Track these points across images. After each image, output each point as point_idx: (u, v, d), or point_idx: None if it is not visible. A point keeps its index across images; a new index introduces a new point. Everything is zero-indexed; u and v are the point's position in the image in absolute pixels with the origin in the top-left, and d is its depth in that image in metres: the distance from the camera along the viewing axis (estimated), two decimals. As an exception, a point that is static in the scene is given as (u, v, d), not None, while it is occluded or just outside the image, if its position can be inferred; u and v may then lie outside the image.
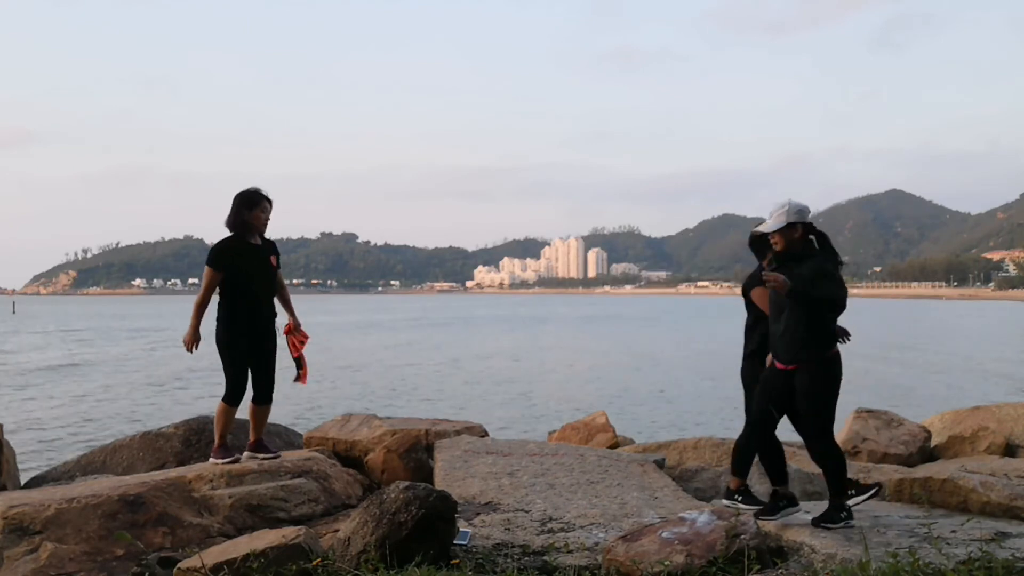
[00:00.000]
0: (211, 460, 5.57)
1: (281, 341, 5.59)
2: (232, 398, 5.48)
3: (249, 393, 5.57)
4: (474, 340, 45.34)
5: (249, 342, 5.44)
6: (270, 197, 5.50)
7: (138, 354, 35.50)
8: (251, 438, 5.72)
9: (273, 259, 5.56)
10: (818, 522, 4.27)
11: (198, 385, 22.58)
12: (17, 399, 20.22)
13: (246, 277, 5.41)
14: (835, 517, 4.25)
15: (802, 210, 4.38)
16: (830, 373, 4.29)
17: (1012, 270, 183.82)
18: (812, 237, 4.42)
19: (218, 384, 5.69)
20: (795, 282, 4.16)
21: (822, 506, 4.88)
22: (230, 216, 5.44)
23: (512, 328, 60.12)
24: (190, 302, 5.54)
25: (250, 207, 5.43)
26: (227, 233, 5.48)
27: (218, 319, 5.45)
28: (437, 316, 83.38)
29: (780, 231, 4.35)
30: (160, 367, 28.96)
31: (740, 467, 4.63)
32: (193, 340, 5.32)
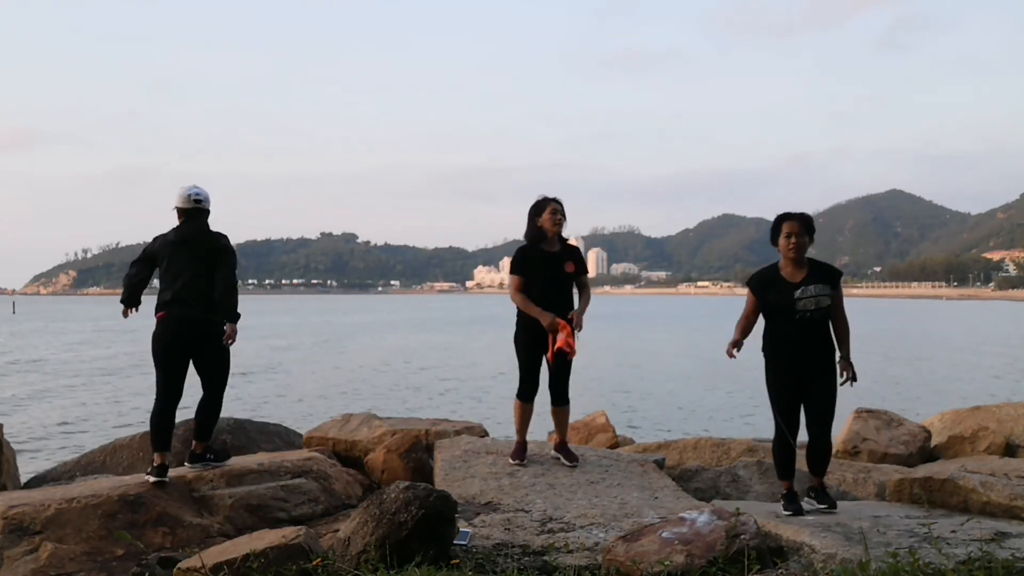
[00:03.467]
0: (510, 460, 5.68)
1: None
2: (522, 394, 5.69)
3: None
4: (474, 340, 45.31)
5: (535, 342, 5.58)
6: (554, 198, 5.63)
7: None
8: (556, 439, 5.92)
9: (570, 264, 5.64)
10: None
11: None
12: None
13: (536, 281, 5.56)
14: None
15: (183, 195, 5.18)
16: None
17: (1012, 270, 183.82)
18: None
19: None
20: None
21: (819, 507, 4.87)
22: (526, 226, 5.69)
23: (512, 328, 59.88)
24: None
25: (537, 213, 5.61)
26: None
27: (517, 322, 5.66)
28: (436, 317, 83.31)
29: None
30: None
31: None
32: (551, 326, 5.42)
